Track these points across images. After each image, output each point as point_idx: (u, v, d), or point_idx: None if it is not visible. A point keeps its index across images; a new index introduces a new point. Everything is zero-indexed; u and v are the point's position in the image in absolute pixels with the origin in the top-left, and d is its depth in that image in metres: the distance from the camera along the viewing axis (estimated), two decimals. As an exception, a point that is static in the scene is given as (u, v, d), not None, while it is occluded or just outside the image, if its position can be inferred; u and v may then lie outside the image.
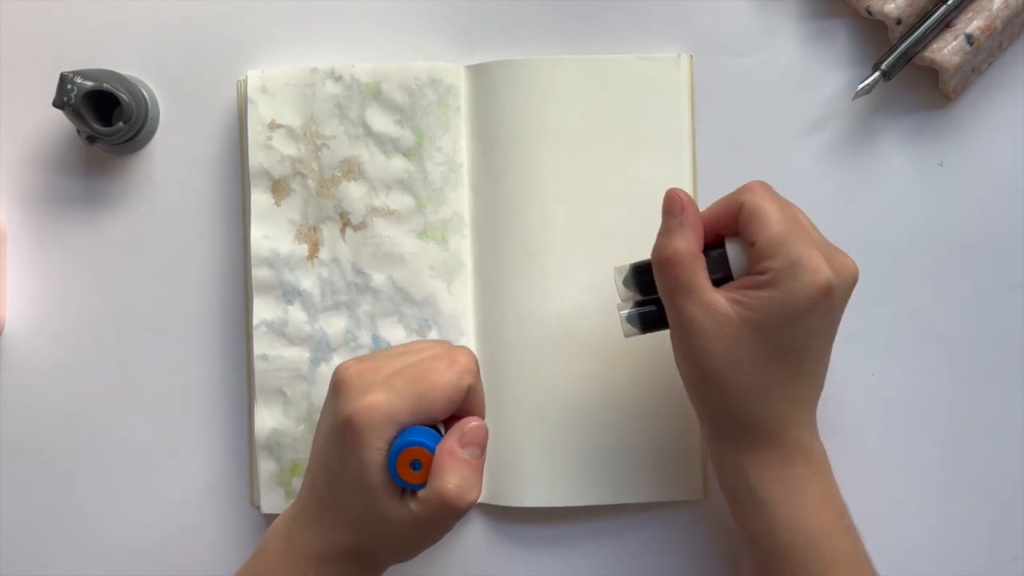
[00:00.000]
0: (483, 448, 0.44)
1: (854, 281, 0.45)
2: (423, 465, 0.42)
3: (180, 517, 0.56)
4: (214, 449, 0.55)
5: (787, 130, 0.54)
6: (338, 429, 0.43)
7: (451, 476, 0.42)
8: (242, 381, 0.56)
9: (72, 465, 0.56)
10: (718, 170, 0.54)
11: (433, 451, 0.43)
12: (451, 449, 0.43)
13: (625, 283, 0.48)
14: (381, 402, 0.42)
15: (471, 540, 0.55)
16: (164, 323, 0.56)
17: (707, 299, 0.43)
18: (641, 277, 0.48)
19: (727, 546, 0.54)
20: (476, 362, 0.46)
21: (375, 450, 0.42)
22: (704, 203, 0.54)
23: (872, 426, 0.53)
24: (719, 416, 0.45)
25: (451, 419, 0.45)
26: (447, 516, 0.43)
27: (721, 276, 0.45)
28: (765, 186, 0.45)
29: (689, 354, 0.44)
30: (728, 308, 0.43)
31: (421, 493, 0.43)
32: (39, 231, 0.56)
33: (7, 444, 0.56)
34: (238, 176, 0.56)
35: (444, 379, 0.43)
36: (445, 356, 0.44)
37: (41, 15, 0.56)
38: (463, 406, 0.45)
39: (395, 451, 0.42)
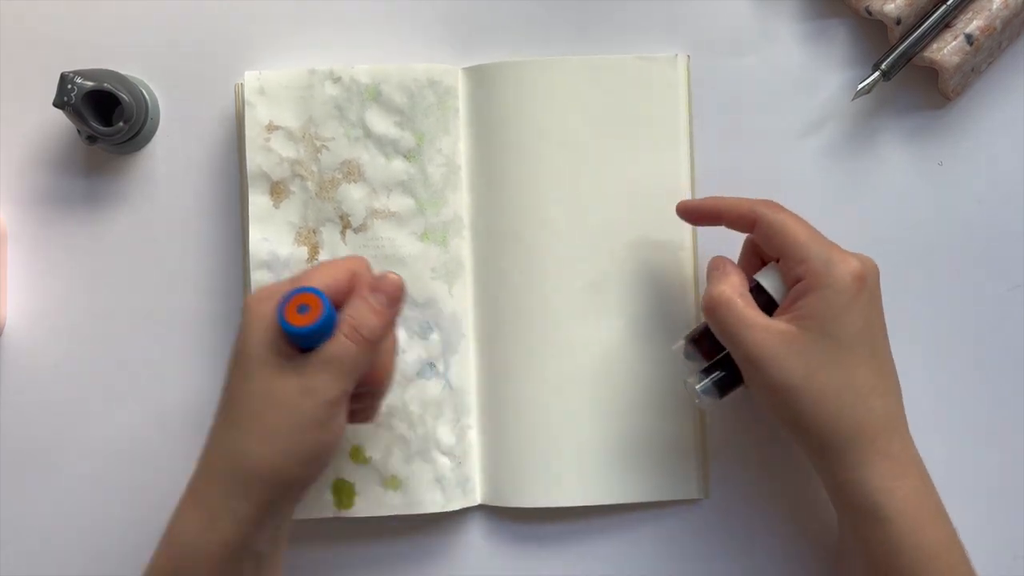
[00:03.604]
0: (393, 301, 0.44)
1: (877, 270, 0.47)
2: (312, 308, 0.42)
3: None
4: (214, 449, 0.55)
5: (787, 130, 0.54)
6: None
7: (351, 310, 0.43)
8: (242, 381, 0.56)
9: (72, 465, 0.56)
10: (719, 171, 0.54)
11: (323, 298, 0.42)
12: (359, 291, 0.44)
13: (687, 356, 0.50)
14: (266, 286, 0.45)
15: (471, 540, 0.55)
16: (164, 323, 0.56)
17: (763, 324, 0.45)
18: (698, 345, 0.49)
19: (728, 546, 0.54)
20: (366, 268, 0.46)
21: (260, 320, 0.43)
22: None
23: (872, 426, 0.54)
24: (824, 434, 0.45)
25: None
26: (345, 351, 0.42)
27: (765, 305, 0.47)
28: (776, 203, 0.48)
29: (770, 385, 0.45)
30: (785, 325, 0.45)
31: (315, 351, 0.42)
32: (39, 231, 0.56)
33: (7, 444, 0.56)
34: (238, 177, 0.56)
35: (326, 264, 0.45)
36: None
37: (41, 15, 0.56)
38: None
39: (285, 298, 0.42)
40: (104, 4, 0.56)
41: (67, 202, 0.56)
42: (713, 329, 0.48)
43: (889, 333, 0.53)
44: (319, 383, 0.42)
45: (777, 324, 0.45)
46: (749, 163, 0.54)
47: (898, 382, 0.47)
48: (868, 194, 0.54)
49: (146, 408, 0.56)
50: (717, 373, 0.49)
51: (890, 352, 0.47)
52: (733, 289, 0.47)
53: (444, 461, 0.53)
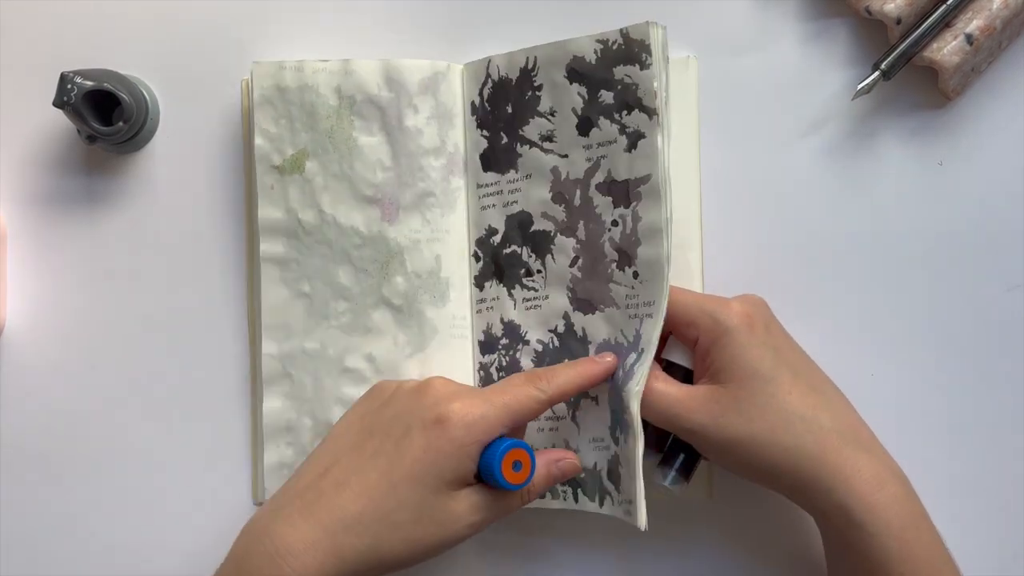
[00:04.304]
0: (564, 478, 0.48)
1: (763, 303, 0.48)
2: (523, 467, 0.45)
3: (181, 516, 0.56)
4: (215, 449, 0.55)
5: (787, 130, 0.54)
6: (421, 424, 0.44)
7: (538, 477, 0.46)
8: (243, 380, 0.55)
9: (72, 465, 0.56)
10: (718, 170, 0.54)
11: (532, 456, 0.45)
12: (550, 460, 0.47)
13: (645, 456, 0.48)
14: (477, 406, 0.45)
15: (473, 539, 0.55)
16: (164, 322, 0.56)
17: (686, 394, 0.46)
18: (644, 440, 0.48)
19: (733, 547, 0.54)
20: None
21: (464, 448, 0.44)
22: (709, 203, 0.54)
23: (872, 426, 0.53)
24: (789, 471, 0.45)
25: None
26: (504, 508, 0.46)
27: (683, 376, 0.48)
28: None
29: (720, 447, 0.46)
30: (705, 386, 0.46)
31: (483, 490, 0.45)
32: (39, 231, 0.56)
33: (7, 444, 0.56)
34: (239, 175, 0.56)
35: (525, 392, 0.46)
36: (525, 375, 0.47)
37: (41, 15, 0.56)
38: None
39: (502, 451, 0.44)
40: (104, 4, 0.56)
41: (67, 202, 0.56)
42: (649, 420, 0.48)
43: (889, 332, 0.54)
44: (477, 518, 0.45)
45: (699, 389, 0.46)
46: (749, 163, 0.54)
47: (839, 392, 0.48)
48: (868, 194, 0.54)
49: (146, 408, 0.56)
50: (676, 459, 0.49)
51: (816, 368, 0.48)
52: (652, 382, 0.47)
53: None
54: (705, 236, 0.54)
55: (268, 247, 0.54)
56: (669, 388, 0.47)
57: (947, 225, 0.54)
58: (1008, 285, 0.53)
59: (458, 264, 0.54)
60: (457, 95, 0.54)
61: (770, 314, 0.48)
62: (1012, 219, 0.53)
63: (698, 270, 0.53)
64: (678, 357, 0.48)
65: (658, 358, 0.49)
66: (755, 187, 0.54)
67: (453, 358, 0.54)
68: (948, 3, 0.51)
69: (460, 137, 0.54)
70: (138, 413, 0.56)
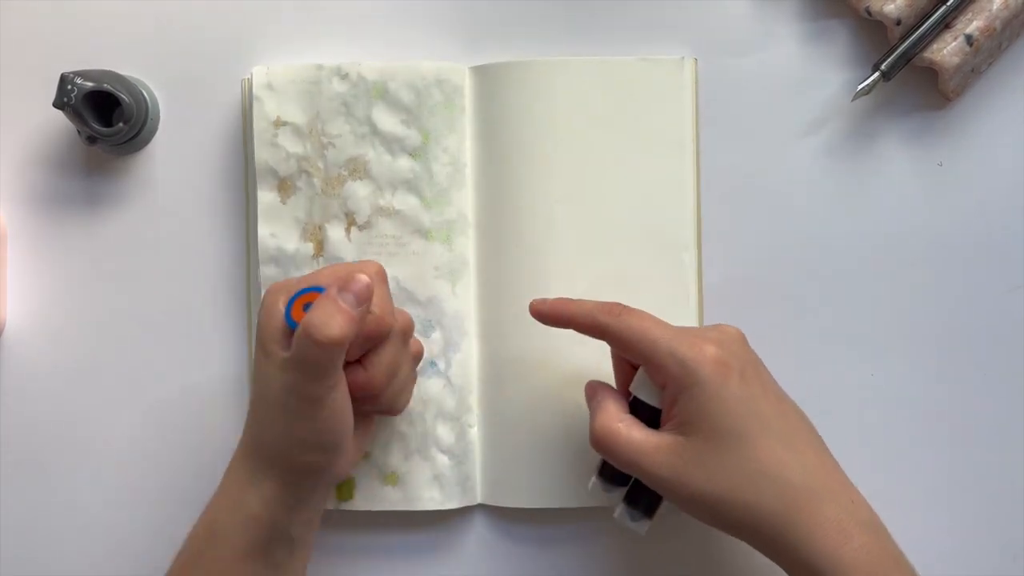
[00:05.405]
0: (360, 299, 0.43)
1: (739, 339, 0.46)
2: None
3: (181, 520, 0.55)
4: (215, 451, 0.55)
5: (787, 130, 0.54)
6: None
7: (317, 312, 0.42)
8: (243, 378, 0.56)
9: (72, 466, 0.56)
10: (718, 170, 0.54)
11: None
12: (329, 292, 0.43)
13: (605, 490, 0.48)
14: (286, 281, 0.46)
15: (470, 539, 0.55)
16: (165, 323, 0.56)
17: (651, 445, 0.44)
18: (611, 475, 0.48)
19: (731, 547, 0.54)
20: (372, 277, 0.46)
21: (269, 315, 0.45)
22: (709, 203, 0.54)
23: (872, 426, 0.54)
24: (750, 527, 0.43)
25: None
26: (308, 351, 0.42)
27: (651, 413, 0.46)
28: (617, 305, 0.47)
29: (680, 499, 0.44)
30: (670, 437, 0.44)
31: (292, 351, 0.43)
32: (39, 231, 0.56)
33: (6, 444, 0.56)
34: (239, 176, 0.56)
35: (340, 265, 0.47)
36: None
37: (41, 15, 0.56)
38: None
39: (291, 300, 0.44)
40: (104, 4, 0.56)
41: (67, 202, 0.56)
42: (611, 463, 0.46)
43: (889, 332, 0.54)
44: (295, 381, 0.43)
45: (663, 439, 0.44)
46: (748, 163, 0.54)
47: (812, 437, 0.45)
48: (868, 194, 0.54)
49: (146, 408, 0.56)
50: (640, 497, 0.47)
51: (791, 413, 0.45)
52: (611, 417, 0.45)
53: (443, 459, 0.53)
54: (705, 236, 0.54)
55: (268, 270, 0.54)
56: (633, 434, 0.45)
57: (947, 225, 0.54)
58: (1008, 285, 0.53)
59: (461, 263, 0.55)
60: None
61: (747, 355, 0.46)
62: (1012, 219, 0.54)
63: (693, 270, 0.54)
64: (645, 395, 0.46)
65: (625, 392, 0.48)
66: (755, 187, 0.54)
67: (468, 358, 0.54)
68: (948, 4, 0.51)
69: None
70: (138, 414, 0.56)
